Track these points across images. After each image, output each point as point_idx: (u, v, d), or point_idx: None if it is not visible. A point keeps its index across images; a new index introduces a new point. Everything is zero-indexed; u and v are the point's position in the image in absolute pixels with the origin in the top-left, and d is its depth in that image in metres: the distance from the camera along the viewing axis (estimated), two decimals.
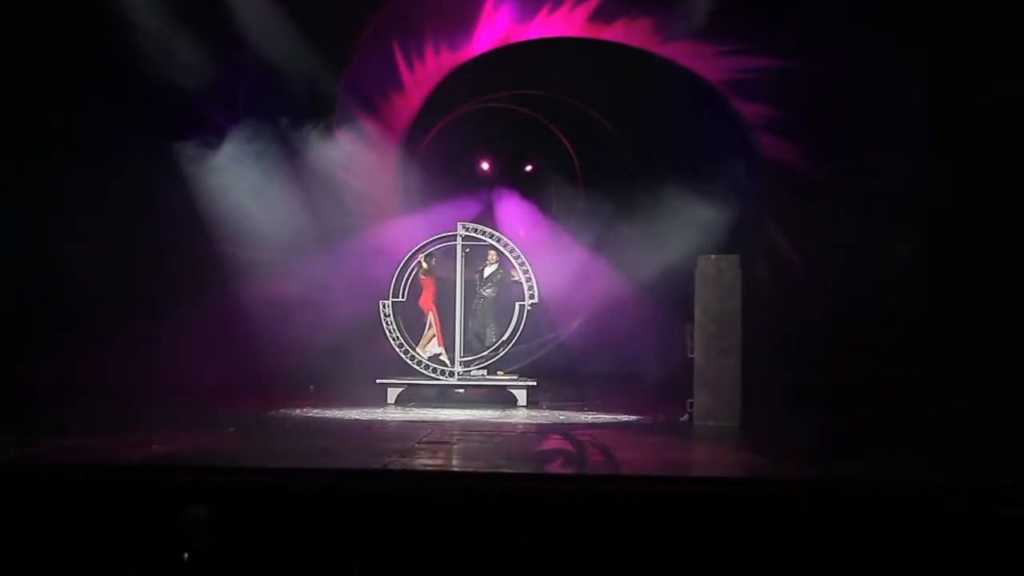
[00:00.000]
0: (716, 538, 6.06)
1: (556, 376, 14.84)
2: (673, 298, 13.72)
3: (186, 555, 5.77)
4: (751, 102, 14.23)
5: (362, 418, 10.67)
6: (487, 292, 12.95)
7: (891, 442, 9.20)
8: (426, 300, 12.84)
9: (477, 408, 11.96)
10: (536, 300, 12.53)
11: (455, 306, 12.65)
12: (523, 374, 13.38)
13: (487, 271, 12.98)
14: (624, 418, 11.09)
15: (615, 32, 14.56)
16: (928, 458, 8.06)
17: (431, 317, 12.83)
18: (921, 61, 12.15)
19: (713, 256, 10.62)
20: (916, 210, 12.47)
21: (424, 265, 12.70)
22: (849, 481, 6.81)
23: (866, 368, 12.42)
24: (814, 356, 12.80)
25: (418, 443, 8.49)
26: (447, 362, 12.61)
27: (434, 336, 12.80)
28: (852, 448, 8.75)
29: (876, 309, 12.53)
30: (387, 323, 12.58)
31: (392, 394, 12.31)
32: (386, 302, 12.62)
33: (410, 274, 12.80)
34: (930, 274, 12.22)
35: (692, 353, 10.49)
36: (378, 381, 12.47)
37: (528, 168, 17.50)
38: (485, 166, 17.34)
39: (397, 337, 12.57)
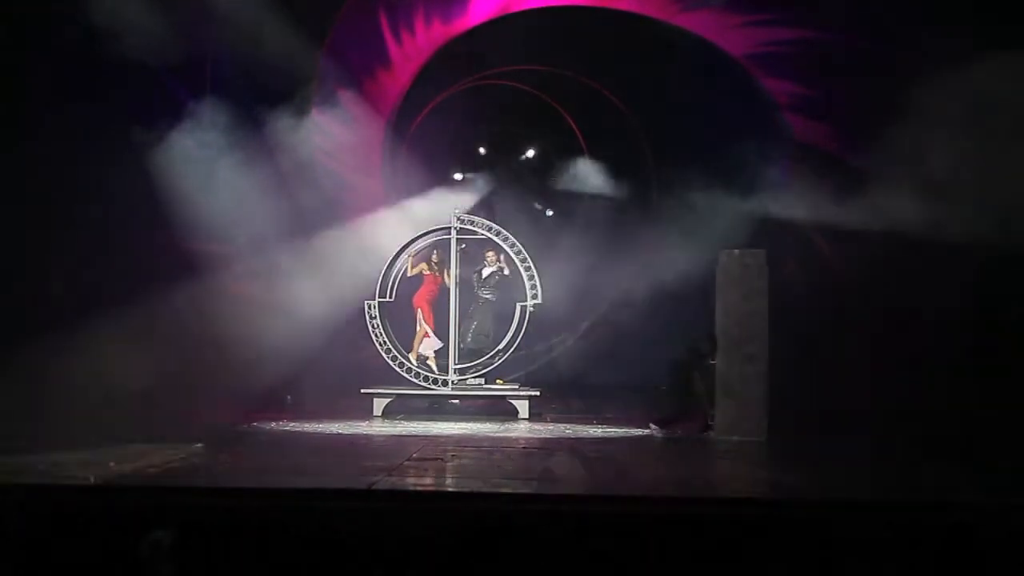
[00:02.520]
0: (738, 566, 6.05)
1: (562, 385, 14.85)
2: (694, 300, 13.70)
3: None
4: (781, 79, 14.20)
5: (345, 432, 10.66)
6: (485, 295, 12.97)
7: (934, 463, 9.20)
8: (420, 297, 12.85)
9: (473, 421, 11.95)
10: (539, 300, 12.53)
11: (450, 306, 12.65)
12: (525, 383, 13.38)
13: (485, 272, 12.99)
14: (638, 432, 11.09)
15: (628, 0, 14.55)
16: (973, 481, 8.08)
17: (420, 315, 12.85)
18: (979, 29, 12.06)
19: (737, 251, 10.62)
20: (972, 201, 12.41)
21: (432, 260, 12.76)
22: (885, 504, 6.81)
23: (912, 381, 12.39)
24: (852, 366, 12.77)
25: (408, 460, 8.48)
26: (433, 367, 12.61)
27: (425, 336, 12.82)
28: (891, 469, 8.75)
29: (925, 314, 12.48)
30: (373, 326, 12.58)
31: (378, 405, 12.31)
32: (372, 302, 12.61)
33: (398, 271, 12.80)
34: (988, 276, 12.15)
35: (713, 359, 10.50)
36: (363, 391, 12.46)
37: (530, 153, 17.50)
38: (482, 151, 17.34)
39: (384, 342, 12.56)
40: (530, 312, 12.59)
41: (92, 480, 7.15)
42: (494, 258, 12.91)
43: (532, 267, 12.61)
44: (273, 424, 11.08)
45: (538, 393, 12.54)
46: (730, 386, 10.34)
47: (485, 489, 7.27)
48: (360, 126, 14.65)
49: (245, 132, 13.29)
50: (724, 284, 10.48)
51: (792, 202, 14.45)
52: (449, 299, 12.74)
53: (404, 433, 10.71)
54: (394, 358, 12.53)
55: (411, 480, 7.60)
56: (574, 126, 16.93)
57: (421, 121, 16.12)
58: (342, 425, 11.13)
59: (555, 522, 6.29)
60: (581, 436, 10.70)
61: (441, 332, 12.84)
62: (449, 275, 12.82)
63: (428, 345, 12.81)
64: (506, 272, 12.81)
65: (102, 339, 12.84)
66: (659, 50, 14.55)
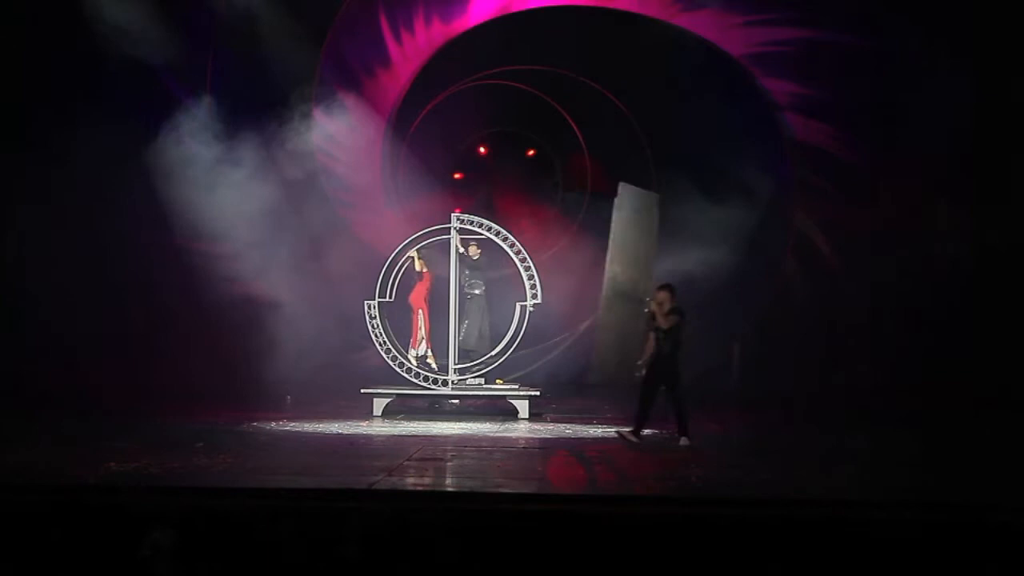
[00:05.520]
0: (738, 566, 6.05)
1: (562, 385, 14.82)
2: (695, 299, 13.64)
3: None
4: (780, 79, 14.20)
5: (345, 432, 10.64)
6: (474, 291, 12.92)
7: (934, 462, 9.21)
8: (417, 296, 12.84)
9: (473, 421, 11.94)
10: (539, 300, 12.51)
11: (449, 306, 12.63)
12: (525, 383, 13.36)
13: (472, 254, 12.87)
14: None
15: (628, 0, 14.55)
16: (951, 475, 8.10)
17: (421, 316, 12.83)
18: (971, 29, 12.08)
19: (632, 186, 10.27)
20: (966, 200, 12.42)
21: (419, 261, 12.72)
22: (886, 504, 6.80)
23: (909, 375, 12.40)
24: (852, 360, 12.78)
25: (407, 460, 8.47)
26: (434, 366, 12.60)
27: (423, 338, 12.80)
28: (892, 468, 8.74)
29: (920, 310, 12.50)
30: (373, 325, 12.56)
31: (379, 405, 12.29)
32: (372, 302, 12.60)
33: (398, 271, 12.78)
34: (981, 272, 12.17)
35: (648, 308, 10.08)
36: (363, 391, 12.45)
37: (529, 153, 17.48)
38: (482, 151, 17.32)
39: (384, 342, 12.55)
40: (530, 312, 12.56)
41: (92, 480, 7.14)
42: (475, 250, 12.86)
43: (532, 267, 12.58)
44: (273, 424, 11.06)
45: (538, 393, 12.52)
46: (607, 328, 10.05)
47: (485, 489, 7.26)
48: (360, 126, 14.64)
49: (245, 132, 13.28)
50: (619, 223, 10.12)
51: (792, 201, 14.44)
52: (448, 299, 12.71)
53: (404, 433, 10.69)
54: (394, 358, 12.51)
55: (411, 480, 7.59)
56: (574, 126, 16.90)
57: (421, 121, 16.10)
58: (342, 425, 11.12)
59: (555, 522, 6.28)
60: (581, 436, 10.68)
61: (441, 333, 12.83)
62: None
63: (424, 347, 12.79)
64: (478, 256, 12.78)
65: (101, 339, 12.85)
66: (659, 50, 14.54)
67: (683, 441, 9.67)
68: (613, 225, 10.19)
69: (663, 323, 9.75)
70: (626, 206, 10.15)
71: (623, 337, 9.94)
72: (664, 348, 9.72)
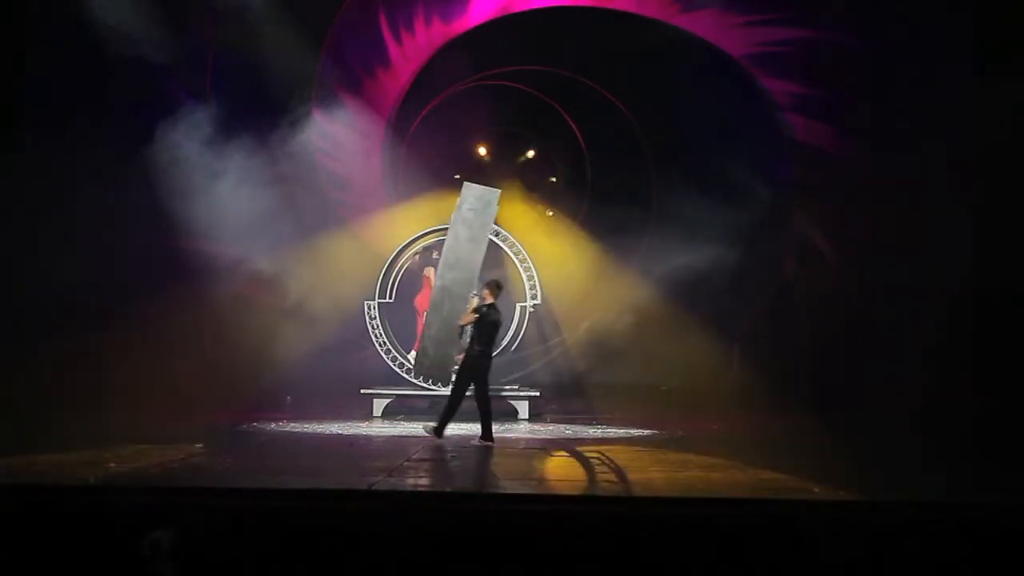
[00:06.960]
0: (738, 565, 6.05)
1: (562, 386, 14.84)
2: (693, 300, 13.68)
3: None
4: (781, 79, 14.20)
5: (345, 433, 10.65)
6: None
7: (933, 462, 9.22)
8: (424, 300, 12.87)
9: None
10: (539, 301, 12.53)
11: None
12: (525, 383, 13.37)
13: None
14: (637, 433, 11.09)
15: (627, 0, 14.55)
16: (951, 475, 8.12)
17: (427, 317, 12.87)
18: (971, 28, 12.06)
19: (476, 185, 10.54)
20: (966, 199, 12.41)
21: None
22: (886, 504, 6.82)
23: (910, 374, 12.40)
24: (852, 362, 12.77)
25: (407, 461, 8.48)
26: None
27: None
28: (890, 466, 8.76)
29: (921, 309, 12.49)
30: (373, 326, 12.58)
31: (378, 406, 12.31)
32: (372, 303, 12.61)
33: (398, 272, 12.81)
34: (983, 271, 12.16)
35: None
36: (363, 391, 12.46)
37: (530, 153, 17.49)
38: (482, 151, 17.33)
39: (384, 342, 12.56)
40: (529, 312, 12.58)
41: (92, 480, 7.15)
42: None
43: (531, 268, 12.60)
44: (273, 424, 11.07)
45: (538, 393, 12.53)
46: (430, 326, 10.20)
47: (485, 490, 7.26)
48: (360, 126, 14.64)
49: (244, 133, 13.28)
50: (456, 218, 10.47)
51: (793, 201, 14.44)
52: None
53: (403, 434, 10.70)
54: (394, 359, 12.53)
55: (411, 480, 7.60)
56: (574, 126, 16.90)
57: (421, 121, 16.10)
58: (342, 425, 11.12)
59: (555, 522, 6.28)
60: (581, 437, 10.69)
61: None
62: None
63: None
64: None
65: (102, 340, 12.84)
66: (659, 50, 14.54)
67: (477, 441, 9.67)
68: (451, 223, 10.38)
69: (462, 319, 9.85)
70: (465, 203, 10.32)
71: (450, 334, 10.14)
72: (471, 346, 9.72)
